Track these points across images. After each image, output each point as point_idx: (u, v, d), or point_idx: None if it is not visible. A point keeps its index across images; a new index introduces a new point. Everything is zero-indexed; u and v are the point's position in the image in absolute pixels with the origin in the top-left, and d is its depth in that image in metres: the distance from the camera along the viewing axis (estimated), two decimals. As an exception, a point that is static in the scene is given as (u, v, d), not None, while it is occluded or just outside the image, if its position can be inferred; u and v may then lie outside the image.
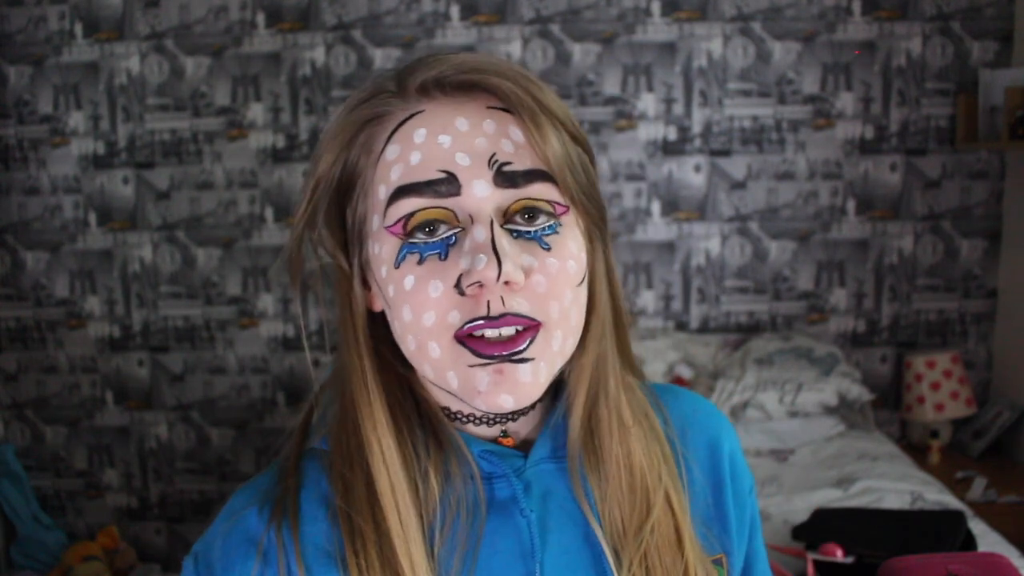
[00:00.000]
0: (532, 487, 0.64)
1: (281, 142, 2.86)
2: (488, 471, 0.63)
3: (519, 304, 0.56)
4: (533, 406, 0.65)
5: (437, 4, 2.79)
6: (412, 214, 0.57)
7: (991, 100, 2.61)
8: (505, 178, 0.57)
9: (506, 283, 0.55)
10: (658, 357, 2.72)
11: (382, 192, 0.59)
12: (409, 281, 0.57)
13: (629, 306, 0.67)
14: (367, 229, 0.61)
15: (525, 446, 0.66)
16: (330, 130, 0.62)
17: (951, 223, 2.81)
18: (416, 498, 0.60)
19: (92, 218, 2.93)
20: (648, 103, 2.81)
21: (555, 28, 2.79)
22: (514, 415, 0.64)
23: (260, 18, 2.82)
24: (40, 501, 3.00)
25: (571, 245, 0.59)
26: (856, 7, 2.74)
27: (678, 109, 2.81)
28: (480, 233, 0.56)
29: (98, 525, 3.01)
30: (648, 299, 2.88)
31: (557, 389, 0.66)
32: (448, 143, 0.57)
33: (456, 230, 0.57)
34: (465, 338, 0.57)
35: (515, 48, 2.79)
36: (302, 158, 2.86)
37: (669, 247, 2.86)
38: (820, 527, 1.81)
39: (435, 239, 0.57)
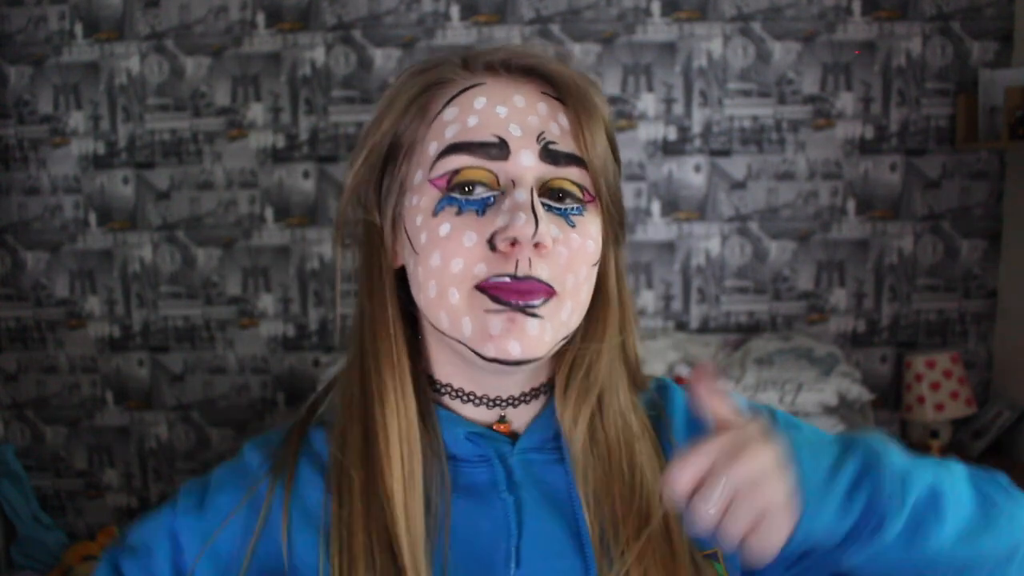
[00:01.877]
0: (514, 473, 0.65)
1: (281, 142, 2.86)
2: (470, 453, 0.65)
3: (542, 269, 0.60)
4: (536, 395, 0.67)
5: (437, 4, 2.79)
6: (459, 170, 0.61)
7: (991, 100, 2.61)
8: (549, 155, 0.62)
9: (536, 245, 0.59)
10: (658, 357, 2.72)
11: (432, 148, 0.63)
12: (445, 228, 0.61)
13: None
14: (407, 184, 0.65)
15: (516, 437, 0.67)
16: (391, 93, 0.66)
17: (951, 223, 2.81)
18: (424, 455, 0.63)
19: (92, 218, 2.93)
20: (648, 103, 2.81)
21: (555, 28, 2.78)
22: (514, 400, 0.66)
23: (260, 18, 2.82)
24: (40, 501, 3.00)
25: (592, 228, 0.63)
26: (856, 7, 2.74)
27: (678, 109, 2.81)
28: (522, 195, 0.60)
29: (98, 525, 3.01)
30: (648, 299, 2.88)
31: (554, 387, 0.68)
32: (504, 113, 0.62)
33: (495, 192, 0.61)
34: (487, 288, 0.60)
35: (515, 48, 2.79)
36: (302, 158, 2.86)
37: (669, 247, 2.86)
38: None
39: (474, 197, 0.61)
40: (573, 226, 0.62)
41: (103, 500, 3.05)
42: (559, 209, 0.62)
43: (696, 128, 2.81)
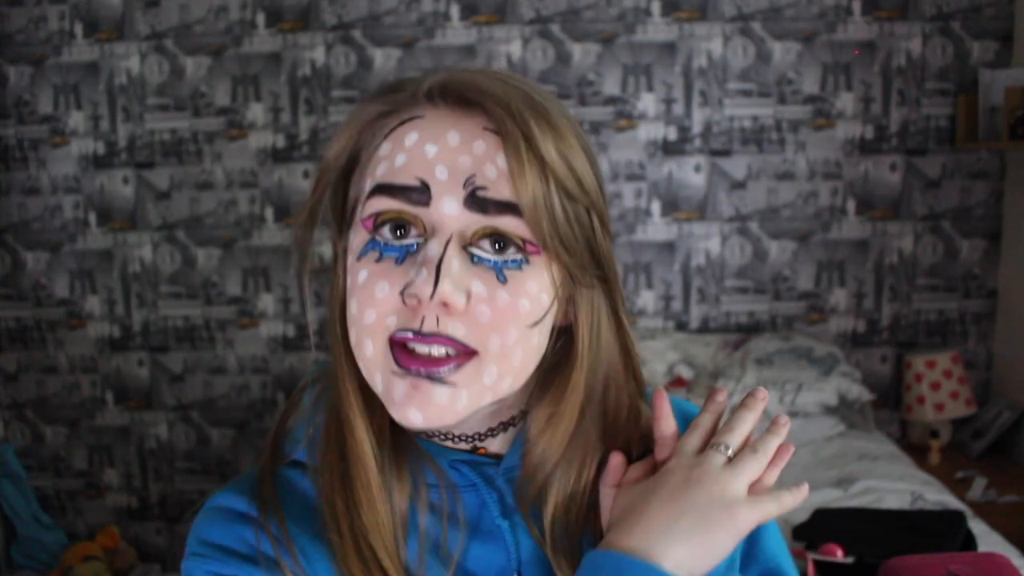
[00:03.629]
0: (505, 495, 0.64)
1: (281, 142, 2.86)
2: (457, 480, 0.63)
3: (455, 328, 0.56)
4: (504, 428, 0.65)
5: (437, 4, 2.79)
6: (381, 213, 0.58)
7: (991, 100, 2.61)
8: (476, 202, 0.56)
9: (444, 304, 0.55)
10: (658, 357, 2.72)
11: (368, 184, 0.60)
12: (363, 276, 0.58)
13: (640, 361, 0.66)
14: (354, 217, 0.62)
15: (499, 456, 0.66)
16: (346, 119, 0.63)
17: (951, 223, 2.81)
18: (388, 496, 0.60)
19: (92, 218, 2.93)
20: (648, 103, 2.81)
21: (555, 28, 2.79)
22: (481, 435, 0.64)
23: (260, 18, 2.82)
24: (40, 501, 3.00)
25: (531, 284, 0.58)
26: (856, 7, 2.74)
27: (678, 109, 2.81)
28: (432, 248, 0.56)
29: (98, 525, 3.01)
30: (648, 299, 2.88)
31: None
32: (433, 153, 0.57)
33: (419, 240, 0.58)
34: (395, 344, 0.57)
35: (515, 48, 2.79)
36: (302, 158, 2.86)
37: (669, 247, 2.86)
38: (820, 527, 1.81)
39: (400, 243, 0.58)
40: (504, 281, 0.57)
41: (103, 500, 3.05)
42: (491, 261, 0.57)
43: (696, 128, 2.81)
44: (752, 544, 0.70)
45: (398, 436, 0.62)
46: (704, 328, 2.88)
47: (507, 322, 0.57)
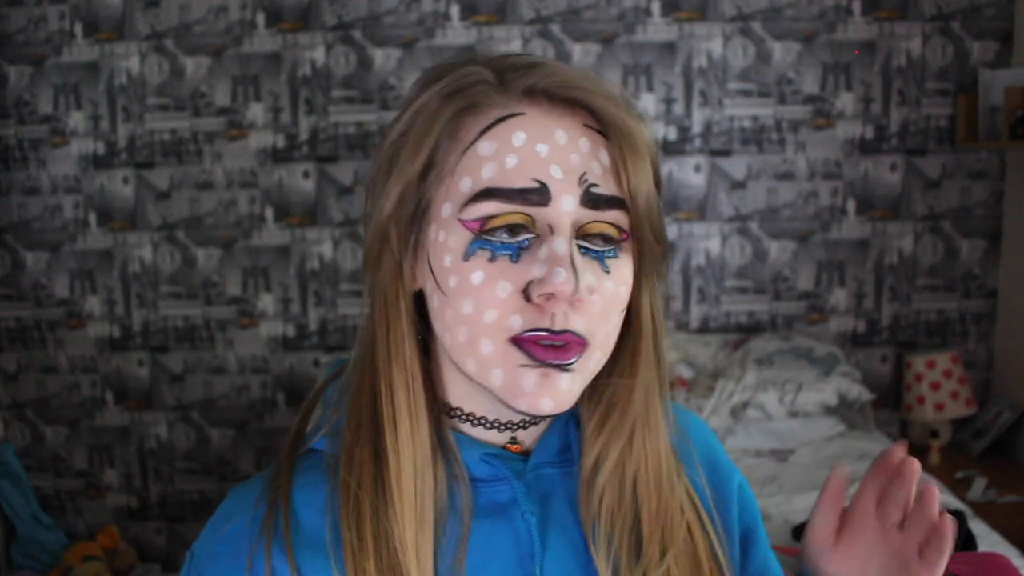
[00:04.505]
0: (532, 490, 0.65)
1: (281, 142, 2.86)
2: (488, 474, 0.64)
3: (577, 322, 0.58)
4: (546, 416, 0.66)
5: (437, 4, 2.79)
6: (494, 216, 0.57)
7: (991, 100, 2.60)
8: (591, 199, 0.58)
9: (575, 300, 0.57)
10: (658, 357, 2.71)
11: (466, 185, 0.58)
12: (477, 276, 0.57)
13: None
14: (433, 213, 0.60)
15: (526, 454, 0.66)
16: (421, 119, 0.60)
17: (951, 223, 2.81)
18: (435, 480, 0.61)
19: (92, 218, 2.93)
20: (648, 103, 2.81)
21: (555, 28, 2.79)
22: (525, 423, 0.65)
23: (260, 18, 2.82)
24: (40, 501, 3.00)
25: (626, 271, 0.61)
26: (856, 7, 2.74)
27: (678, 109, 2.81)
28: (560, 245, 0.57)
29: (98, 525, 3.01)
30: (648, 299, 2.87)
31: None
32: (545, 153, 0.58)
33: (531, 236, 0.58)
34: (523, 342, 0.57)
35: (515, 48, 2.79)
36: (302, 158, 2.86)
37: (669, 247, 2.85)
38: (820, 527, 1.80)
39: (511, 241, 0.58)
40: (608, 271, 0.59)
41: (103, 500, 3.05)
42: (595, 252, 0.59)
43: (696, 128, 2.81)
44: (748, 552, 0.72)
45: (437, 431, 0.63)
46: (704, 328, 2.89)
47: (612, 310, 0.60)
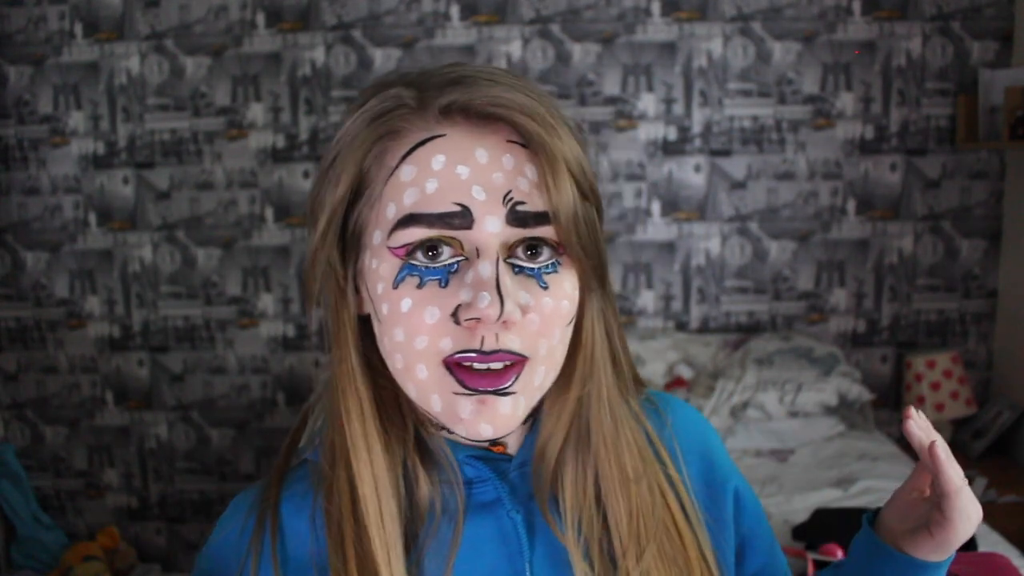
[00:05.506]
0: (518, 489, 0.65)
1: (281, 142, 2.86)
2: (472, 476, 0.64)
3: (511, 341, 0.57)
4: (524, 421, 0.66)
5: (437, 4, 2.79)
6: (418, 242, 0.57)
7: (991, 100, 2.60)
8: (517, 217, 0.57)
9: (504, 322, 0.56)
10: (658, 357, 2.72)
11: (391, 212, 0.58)
12: (406, 304, 0.57)
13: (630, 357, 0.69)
14: (366, 240, 0.61)
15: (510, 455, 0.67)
16: (344, 147, 0.60)
17: (951, 223, 2.81)
18: (399, 502, 0.61)
19: (92, 218, 2.93)
20: (648, 103, 2.81)
21: (555, 28, 2.79)
22: None
23: (260, 18, 2.82)
24: (40, 501, 3.00)
25: (567, 285, 0.60)
26: (856, 7, 2.74)
27: (678, 109, 2.81)
28: (486, 269, 0.56)
29: (98, 525, 3.01)
30: (648, 299, 2.88)
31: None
32: (466, 174, 0.57)
33: (459, 259, 0.57)
34: (453, 366, 0.57)
35: (515, 48, 2.79)
36: (302, 158, 2.86)
37: (669, 247, 2.86)
38: (820, 527, 1.81)
39: (437, 264, 0.57)
40: (546, 287, 0.58)
41: (103, 500, 3.05)
42: (530, 269, 0.58)
43: (696, 128, 2.81)
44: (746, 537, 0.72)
45: (410, 434, 0.63)
46: (704, 328, 2.89)
47: (553, 326, 0.59)
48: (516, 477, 0.65)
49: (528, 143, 0.58)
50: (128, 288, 2.95)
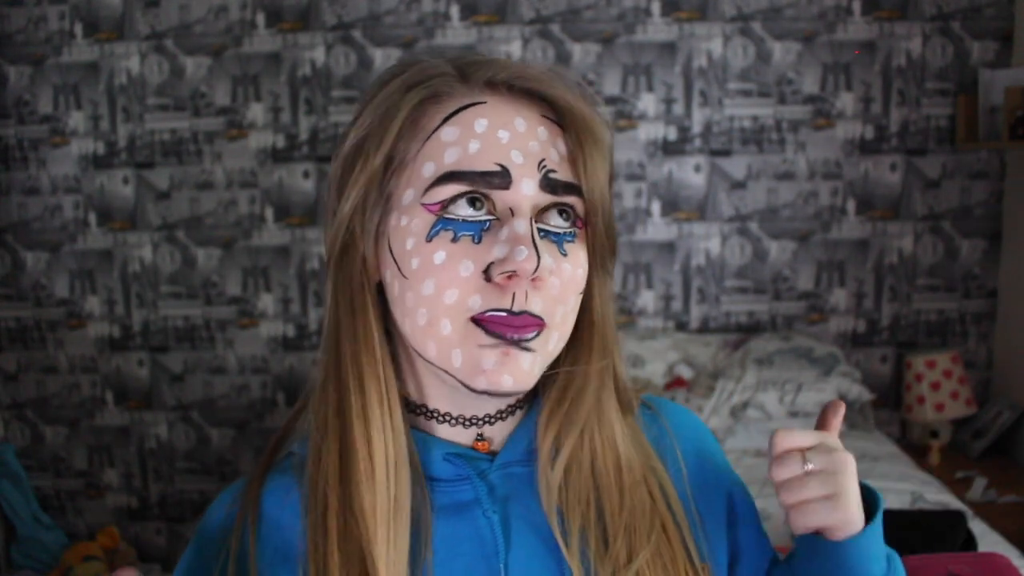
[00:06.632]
0: (496, 489, 0.65)
1: (281, 142, 2.86)
2: (451, 474, 0.64)
3: (535, 303, 0.59)
4: (512, 412, 0.67)
5: (437, 4, 2.79)
6: (455, 197, 0.59)
7: (991, 100, 2.60)
8: (549, 184, 0.60)
9: (533, 279, 0.58)
10: (658, 357, 2.72)
11: (428, 170, 0.60)
12: (440, 256, 0.59)
13: (622, 321, 0.70)
14: (393, 203, 0.62)
15: (493, 453, 0.66)
16: (381, 108, 0.62)
17: (951, 223, 2.81)
18: (396, 479, 0.61)
19: (92, 218, 2.93)
20: (648, 103, 2.81)
21: (555, 28, 2.78)
22: (490, 418, 0.65)
23: (260, 18, 2.82)
24: (40, 501, 3.00)
25: (581, 256, 0.62)
26: (856, 7, 2.74)
27: (678, 109, 2.81)
28: (521, 226, 0.58)
29: (98, 525, 3.01)
30: (648, 299, 2.88)
31: (533, 396, 0.67)
32: (506, 139, 0.60)
33: (492, 218, 0.59)
34: (483, 320, 0.58)
35: (515, 48, 2.79)
36: (302, 158, 2.86)
37: (669, 247, 2.86)
38: (820, 527, 1.80)
39: (473, 218, 0.59)
40: (565, 254, 0.61)
41: (103, 500, 3.05)
42: (554, 235, 0.61)
43: (696, 128, 2.81)
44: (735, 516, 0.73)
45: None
46: (704, 328, 2.88)
47: (569, 292, 0.61)
48: (497, 477, 0.65)
49: (563, 119, 0.62)
50: (128, 288, 2.95)
